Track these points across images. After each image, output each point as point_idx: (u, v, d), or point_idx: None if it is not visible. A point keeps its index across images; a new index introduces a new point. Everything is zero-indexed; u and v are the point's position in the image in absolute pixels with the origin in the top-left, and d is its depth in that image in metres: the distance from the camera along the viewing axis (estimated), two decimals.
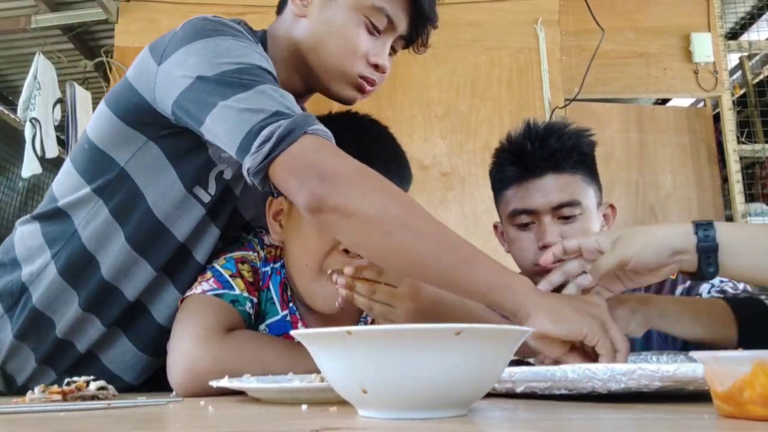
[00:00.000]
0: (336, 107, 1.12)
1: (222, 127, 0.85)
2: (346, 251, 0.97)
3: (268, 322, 1.07)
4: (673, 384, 0.60)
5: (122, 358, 1.11)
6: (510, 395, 0.70)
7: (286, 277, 1.09)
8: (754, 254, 0.81)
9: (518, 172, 1.17)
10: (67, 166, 1.07)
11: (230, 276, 1.02)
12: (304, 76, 1.05)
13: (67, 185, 1.05)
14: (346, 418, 0.56)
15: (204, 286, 1.00)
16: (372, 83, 1.03)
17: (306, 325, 1.07)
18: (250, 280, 1.04)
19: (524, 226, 1.17)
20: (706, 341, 0.94)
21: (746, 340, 0.90)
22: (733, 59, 3.37)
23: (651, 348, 1.16)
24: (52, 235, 1.05)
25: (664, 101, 3.63)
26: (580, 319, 0.76)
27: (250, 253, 1.08)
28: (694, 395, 0.62)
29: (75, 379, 0.80)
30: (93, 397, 0.79)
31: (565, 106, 2.96)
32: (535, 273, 1.15)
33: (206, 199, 1.03)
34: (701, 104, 3.29)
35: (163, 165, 1.00)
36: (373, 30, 1.01)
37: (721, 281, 1.10)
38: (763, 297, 1.03)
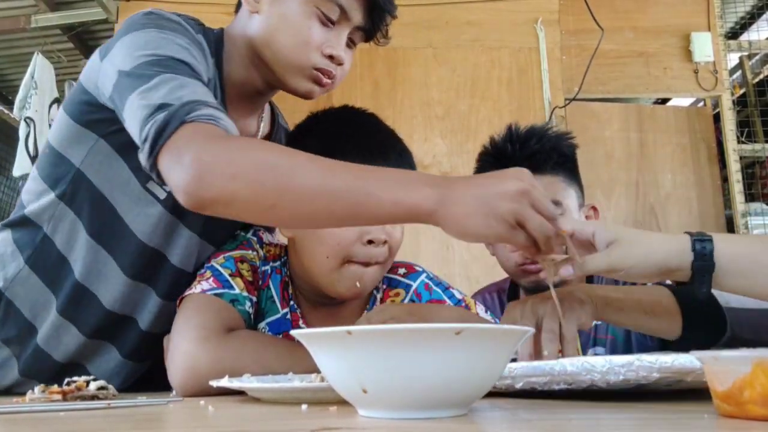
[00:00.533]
0: (336, 102, 1.12)
1: (129, 123, 0.86)
2: (371, 241, 0.98)
3: (268, 320, 1.07)
4: (672, 375, 0.60)
5: (107, 366, 1.12)
6: (510, 394, 0.70)
7: (287, 275, 1.09)
8: (749, 274, 0.80)
9: None
10: (33, 172, 1.08)
11: (230, 275, 1.02)
12: (262, 72, 1.04)
13: (32, 192, 1.06)
14: (346, 418, 0.56)
15: (203, 285, 1.00)
16: (329, 75, 1.01)
17: (307, 323, 1.08)
18: (250, 279, 1.04)
19: None
20: (649, 330, 0.94)
21: (690, 329, 0.90)
22: (733, 59, 3.37)
23: (631, 347, 1.16)
24: (22, 240, 1.07)
25: (664, 101, 3.63)
26: (485, 224, 0.71)
27: (249, 252, 1.08)
28: (694, 395, 0.62)
29: (75, 379, 0.80)
30: (93, 397, 0.78)
31: (565, 105, 2.96)
32: (519, 274, 1.18)
33: (162, 195, 1.02)
34: (701, 104, 3.29)
35: (115, 160, 1.00)
36: (326, 21, 0.99)
37: None
38: None
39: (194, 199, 0.77)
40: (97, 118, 0.98)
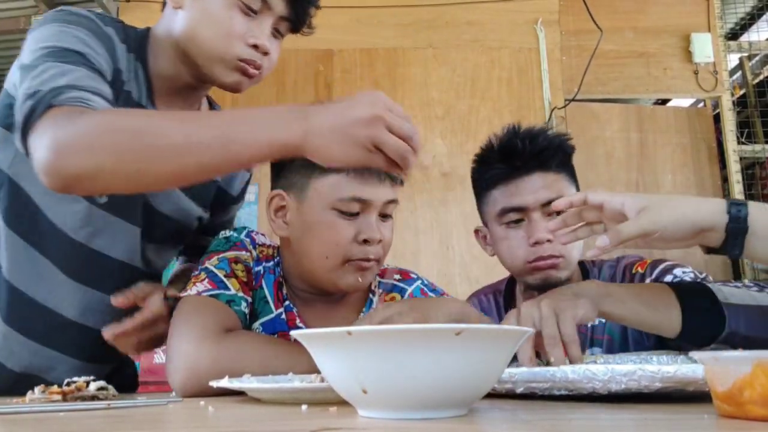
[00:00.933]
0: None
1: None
2: (366, 241, 0.99)
3: (262, 320, 1.06)
4: (674, 385, 0.60)
5: (67, 374, 1.11)
6: (510, 395, 0.70)
7: (281, 275, 1.09)
8: None
9: (507, 170, 1.18)
10: None
11: (225, 276, 1.01)
12: (190, 67, 1.04)
13: None
14: (346, 418, 0.56)
15: (198, 287, 1.00)
16: (255, 66, 1.01)
17: (304, 321, 1.08)
18: (245, 279, 1.04)
19: (513, 224, 1.17)
20: (650, 324, 0.92)
21: (690, 324, 0.90)
22: (733, 59, 3.37)
23: (628, 347, 1.16)
24: None
25: (664, 101, 3.63)
26: (345, 151, 0.76)
27: (243, 253, 1.08)
28: (695, 395, 0.62)
29: (75, 379, 0.80)
30: (93, 397, 0.79)
31: (564, 106, 2.96)
32: (527, 271, 1.16)
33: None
34: (701, 104, 3.29)
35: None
36: (247, 11, 0.99)
37: (684, 272, 1.10)
38: (712, 281, 1.03)
39: (57, 179, 0.78)
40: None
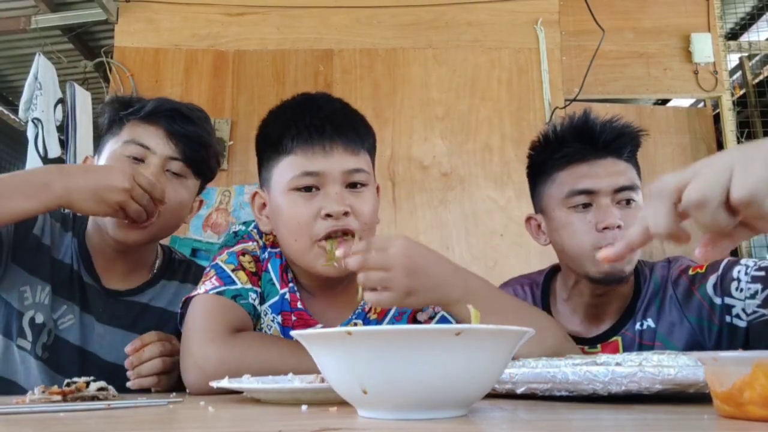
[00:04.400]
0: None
1: None
2: (329, 215, 0.97)
3: (269, 302, 1.08)
4: (674, 387, 0.60)
5: None
6: (510, 396, 0.70)
7: (287, 261, 1.10)
8: None
9: (581, 150, 1.13)
10: None
11: (232, 270, 1.03)
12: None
13: None
14: (346, 418, 0.56)
15: (207, 285, 1.02)
16: (145, 213, 1.09)
17: (304, 305, 1.09)
18: (253, 270, 1.06)
19: (580, 208, 1.12)
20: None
21: None
22: (733, 59, 3.37)
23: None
24: None
25: (664, 101, 3.63)
26: (98, 208, 1.04)
27: (250, 244, 1.10)
28: (695, 395, 0.62)
29: (75, 379, 0.80)
30: (93, 398, 0.78)
31: (565, 106, 2.96)
32: (592, 259, 1.09)
33: (28, 346, 1.15)
34: (701, 104, 3.29)
35: None
36: (135, 161, 1.14)
37: (756, 263, 1.05)
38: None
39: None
40: None
